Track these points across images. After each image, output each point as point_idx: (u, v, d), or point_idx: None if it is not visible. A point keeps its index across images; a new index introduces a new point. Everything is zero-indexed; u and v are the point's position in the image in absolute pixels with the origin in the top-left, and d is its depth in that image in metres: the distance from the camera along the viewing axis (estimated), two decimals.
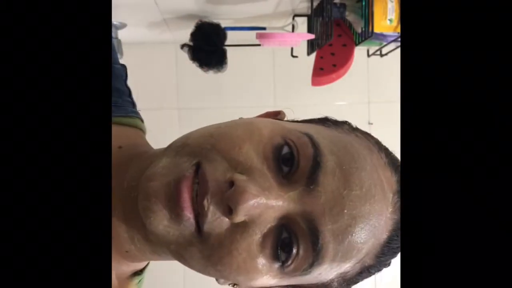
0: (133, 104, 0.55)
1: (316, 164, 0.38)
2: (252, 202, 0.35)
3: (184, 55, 1.57)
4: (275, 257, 0.38)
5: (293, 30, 1.64)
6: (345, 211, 0.38)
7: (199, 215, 0.36)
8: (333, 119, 0.46)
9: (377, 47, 1.59)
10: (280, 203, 0.37)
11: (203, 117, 1.95)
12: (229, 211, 0.36)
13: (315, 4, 1.50)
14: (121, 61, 0.58)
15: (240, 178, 0.36)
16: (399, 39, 1.40)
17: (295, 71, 1.91)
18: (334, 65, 1.55)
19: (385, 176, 0.41)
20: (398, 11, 1.30)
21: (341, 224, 0.38)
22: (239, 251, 0.37)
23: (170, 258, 0.43)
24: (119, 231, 0.42)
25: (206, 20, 1.54)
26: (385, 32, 1.36)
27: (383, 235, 0.41)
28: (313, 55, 1.59)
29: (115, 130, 0.46)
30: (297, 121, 0.47)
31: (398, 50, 1.46)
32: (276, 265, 0.38)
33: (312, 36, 1.51)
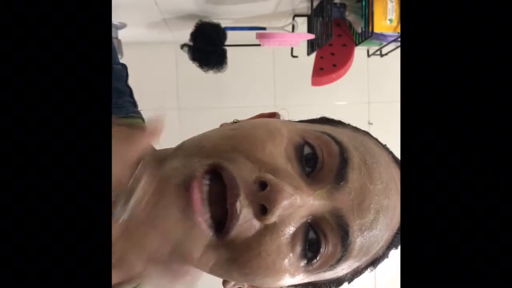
0: (134, 104, 0.55)
1: (343, 160, 0.38)
2: (288, 201, 0.35)
3: (184, 55, 1.57)
4: (303, 255, 0.38)
5: (293, 30, 1.64)
6: (371, 205, 0.38)
7: (228, 218, 0.35)
8: (336, 120, 0.46)
9: (377, 47, 1.59)
10: (311, 201, 0.37)
11: (203, 117, 1.96)
12: (262, 212, 0.35)
13: (315, 4, 1.50)
14: (121, 61, 0.57)
15: (272, 177, 0.35)
16: (399, 39, 1.40)
17: (295, 71, 1.91)
18: (334, 65, 1.55)
19: (395, 171, 0.42)
20: (398, 11, 1.30)
21: (367, 218, 0.38)
22: (268, 253, 0.36)
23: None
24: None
25: (206, 20, 1.55)
26: (385, 32, 1.36)
27: (396, 227, 0.42)
28: (313, 55, 1.59)
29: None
30: (302, 121, 0.47)
31: (398, 50, 1.46)
32: (303, 263, 0.38)
33: (312, 36, 1.51)
